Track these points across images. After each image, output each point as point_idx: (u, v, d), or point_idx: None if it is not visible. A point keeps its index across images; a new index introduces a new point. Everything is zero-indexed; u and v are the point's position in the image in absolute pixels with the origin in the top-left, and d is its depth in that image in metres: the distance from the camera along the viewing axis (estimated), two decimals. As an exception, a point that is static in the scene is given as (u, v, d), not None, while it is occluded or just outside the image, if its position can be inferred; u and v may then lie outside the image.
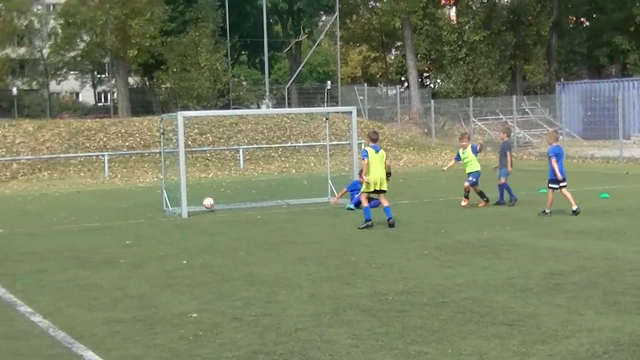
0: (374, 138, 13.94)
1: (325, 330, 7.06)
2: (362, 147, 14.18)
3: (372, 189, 13.62)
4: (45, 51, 57.54)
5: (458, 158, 16.46)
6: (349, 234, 13.05)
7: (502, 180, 16.20)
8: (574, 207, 14.20)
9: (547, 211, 14.30)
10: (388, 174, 14.55)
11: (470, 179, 16.02)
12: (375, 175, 13.53)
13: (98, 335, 7.16)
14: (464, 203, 16.00)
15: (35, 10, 57.54)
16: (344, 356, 6.30)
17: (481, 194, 16.02)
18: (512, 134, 17.69)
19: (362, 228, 13.36)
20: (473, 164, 16.08)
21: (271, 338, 6.86)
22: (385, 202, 13.68)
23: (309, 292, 8.62)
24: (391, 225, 13.39)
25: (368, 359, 6.20)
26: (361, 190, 13.95)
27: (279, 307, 7.97)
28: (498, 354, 6.21)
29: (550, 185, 14.42)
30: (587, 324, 6.95)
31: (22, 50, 59.87)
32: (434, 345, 6.50)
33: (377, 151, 13.65)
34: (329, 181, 18.18)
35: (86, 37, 51.09)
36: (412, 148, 35.38)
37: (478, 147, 16.71)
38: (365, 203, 13.69)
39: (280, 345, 6.63)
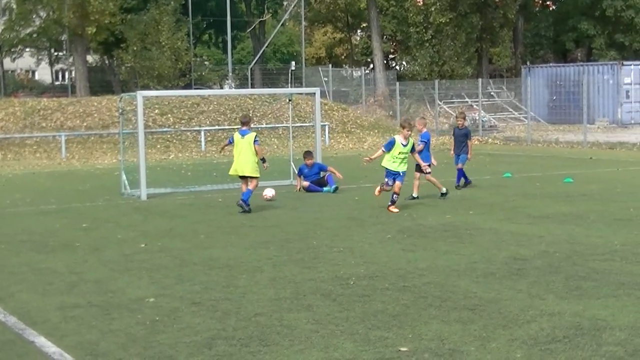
0: (243, 122, 13.94)
1: (285, 315, 6.96)
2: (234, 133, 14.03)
3: (235, 174, 13.70)
4: (-1, 27, 56.15)
5: (390, 148, 13.08)
6: (311, 217, 12.94)
7: (460, 165, 16.26)
8: (443, 190, 14.53)
9: (414, 195, 14.48)
10: (263, 160, 13.92)
11: (397, 177, 13.22)
12: (239, 160, 13.53)
13: (52, 321, 6.99)
14: (395, 210, 13.21)
15: (-12, -16, 55.98)
16: (304, 341, 6.21)
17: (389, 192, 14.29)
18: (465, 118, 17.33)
19: (242, 212, 13.36)
20: (405, 163, 13.40)
21: (230, 323, 6.75)
22: (248, 187, 13.60)
23: (270, 276, 8.51)
24: (240, 207, 13.30)
25: (328, 344, 6.12)
26: (230, 172, 13.86)
27: (239, 292, 7.86)
28: (459, 338, 6.17)
29: (418, 170, 14.52)
30: (548, 309, 6.94)
31: (-27, 26, 58.17)
32: (395, 330, 6.44)
33: (242, 135, 13.58)
34: (292, 163, 18.03)
35: (42, 13, 49.88)
36: (376, 130, 35.34)
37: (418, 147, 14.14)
38: (244, 189, 13.68)
39: (239, 330, 6.53)
